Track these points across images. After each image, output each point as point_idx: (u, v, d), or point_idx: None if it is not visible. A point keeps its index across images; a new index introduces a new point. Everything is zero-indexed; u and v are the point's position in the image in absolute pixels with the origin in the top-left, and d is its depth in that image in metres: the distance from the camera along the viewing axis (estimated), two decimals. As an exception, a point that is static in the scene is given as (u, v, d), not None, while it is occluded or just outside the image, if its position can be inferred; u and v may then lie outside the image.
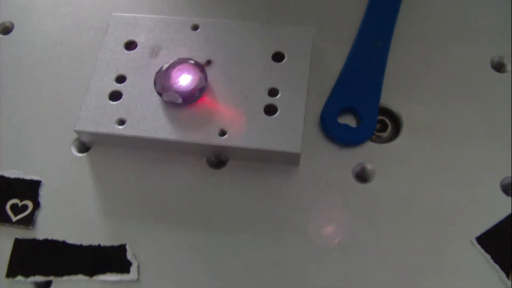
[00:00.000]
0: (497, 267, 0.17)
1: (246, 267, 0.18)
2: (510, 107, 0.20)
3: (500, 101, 0.20)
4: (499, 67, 0.21)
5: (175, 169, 0.19)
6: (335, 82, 0.20)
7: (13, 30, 0.23)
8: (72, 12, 0.23)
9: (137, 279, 0.18)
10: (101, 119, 0.19)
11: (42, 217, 0.19)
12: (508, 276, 0.17)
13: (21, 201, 0.19)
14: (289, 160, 0.19)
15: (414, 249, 0.18)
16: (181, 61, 0.20)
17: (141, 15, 0.22)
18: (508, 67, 0.21)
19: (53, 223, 0.19)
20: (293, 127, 0.18)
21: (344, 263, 0.18)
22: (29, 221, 0.19)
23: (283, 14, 0.22)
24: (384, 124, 0.20)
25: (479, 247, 0.18)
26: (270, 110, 0.19)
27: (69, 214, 0.19)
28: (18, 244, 0.19)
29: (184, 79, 0.19)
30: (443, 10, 0.22)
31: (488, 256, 0.18)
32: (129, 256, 0.18)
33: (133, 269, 0.18)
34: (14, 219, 0.19)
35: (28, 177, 0.20)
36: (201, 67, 0.20)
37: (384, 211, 0.18)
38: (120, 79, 0.20)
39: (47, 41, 0.23)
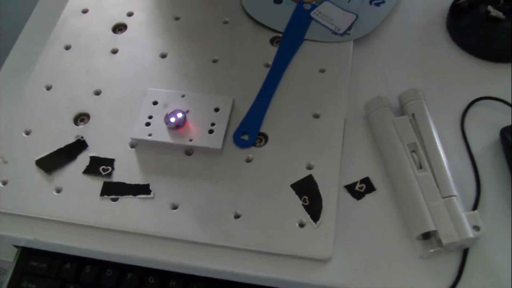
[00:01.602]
0: (297, 197, 0.43)
1: (199, 187, 0.44)
2: (319, 133, 0.46)
3: (317, 131, 0.46)
4: (316, 116, 0.47)
5: (171, 155, 0.45)
6: (240, 121, 0.47)
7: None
8: (131, 80, 0.50)
9: (153, 197, 0.44)
10: (140, 133, 0.46)
11: (115, 174, 0.45)
12: (300, 200, 0.43)
13: (106, 166, 0.46)
14: (217, 152, 0.45)
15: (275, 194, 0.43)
16: (175, 110, 0.46)
17: (159, 89, 0.48)
18: (322, 116, 0.47)
19: (119, 176, 0.45)
20: (218, 138, 0.45)
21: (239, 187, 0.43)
22: (109, 175, 0.45)
23: (218, 87, 0.49)
24: (260, 139, 0.46)
25: (293, 191, 0.43)
26: (211, 131, 0.45)
27: (126, 173, 0.45)
28: (105, 184, 0.45)
29: (176, 118, 0.46)
30: (295, 90, 0.49)
31: (295, 192, 0.43)
32: (150, 188, 0.44)
33: (152, 193, 0.44)
34: (103, 174, 0.45)
35: (109, 156, 0.46)
36: (184, 114, 0.46)
37: (260, 173, 0.44)
38: (150, 117, 0.47)
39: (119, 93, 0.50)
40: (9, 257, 0.50)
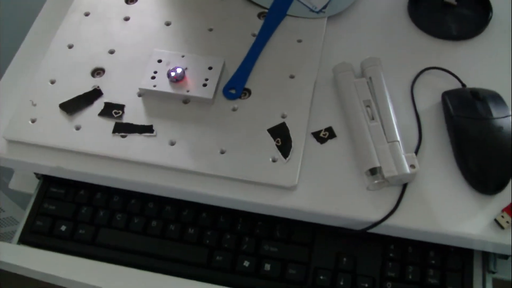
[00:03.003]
0: (272, 139, 0.53)
1: (193, 129, 0.54)
2: (293, 90, 0.56)
3: (291, 88, 0.56)
4: (292, 77, 0.57)
5: (171, 103, 0.55)
6: (229, 78, 0.57)
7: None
8: (140, 43, 0.60)
9: (155, 135, 0.54)
10: (146, 84, 0.56)
11: (124, 117, 0.55)
12: (274, 141, 0.53)
13: (117, 110, 0.56)
14: (208, 102, 0.55)
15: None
16: (176, 67, 0.56)
17: (163, 50, 0.58)
18: (296, 77, 0.57)
19: (128, 119, 0.55)
20: (210, 90, 0.55)
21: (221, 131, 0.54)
22: (120, 118, 0.55)
23: (212, 51, 0.59)
24: (245, 93, 0.56)
25: (269, 134, 0.53)
26: (204, 85, 0.55)
27: (134, 116, 0.55)
28: (117, 124, 0.55)
29: (176, 73, 0.56)
30: (276, 55, 0.59)
31: (270, 135, 0.53)
32: (153, 128, 0.54)
33: (154, 132, 0.54)
34: (115, 116, 0.55)
35: (120, 103, 0.56)
36: (183, 70, 0.56)
37: (243, 119, 0.54)
38: (155, 72, 0.57)
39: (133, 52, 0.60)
40: (31, 190, 0.60)
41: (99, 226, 0.55)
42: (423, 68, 0.58)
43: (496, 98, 0.54)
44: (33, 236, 0.55)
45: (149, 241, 0.53)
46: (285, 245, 0.52)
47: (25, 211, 0.57)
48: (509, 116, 0.52)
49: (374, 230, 0.50)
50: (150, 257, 0.53)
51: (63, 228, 0.55)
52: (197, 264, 0.52)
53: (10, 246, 0.54)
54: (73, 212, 0.56)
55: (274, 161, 0.52)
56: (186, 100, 0.56)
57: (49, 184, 0.58)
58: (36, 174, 0.60)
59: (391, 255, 0.52)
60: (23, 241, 0.55)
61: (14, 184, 0.63)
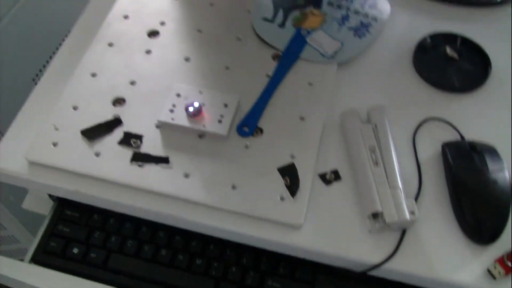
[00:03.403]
0: (281, 178, 0.56)
1: (207, 163, 0.57)
2: (302, 132, 0.59)
3: (301, 130, 0.60)
4: (302, 119, 0.61)
5: (187, 137, 0.58)
6: (243, 117, 0.60)
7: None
8: (160, 75, 0.64)
9: (171, 167, 0.57)
10: (165, 117, 0.59)
11: (142, 147, 0.58)
12: (283, 180, 0.56)
13: (136, 140, 0.58)
14: (223, 138, 0.58)
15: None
16: (193, 102, 0.59)
17: (182, 85, 0.62)
18: (306, 119, 0.60)
19: (146, 149, 0.58)
20: (225, 127, 0.58)
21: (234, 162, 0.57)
22: (138, 147, 0.58)
23: (228, 88, 0.62)
24: (257, 131, 0.59)
25: (278, 173, 0.56)
26: (220, 121, 0.58)
27: (151, 147, 0.58)
28: (135, 153, 0.57)
29: (194, 108, 0.59)
30: (288, 97, 0.62)
31: (279, 173, 0.56)
32: (169, 160, 0.57)
33: (170, 164, 0.57)
34: (133, 145, 0.58)
35: (138, 133, 0.59)
36: (200, 105, 0.59)
37: (254, 157, 0.57)
38: (174, 105, 0.60)
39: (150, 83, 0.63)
40: (44, 211, 0.63)
41: (110, 251, 0.57)
42: (425, 118, 0.62)
43: (492, 152, 0.57)
44: (45, 256, 0.57)
45: (158, 269, 0.56)
46: (287, 282, 0.55)
47: (30, 231, 0.59)
48: (504, 169, 0.56)
49: (373, 273, 0.53)
50: (158, 285, 0.55)
51: (76, 250, 0.57)
52: (203, 294, 0.54)
53: (22, 264, 0.56)
54: (86, 236, 0.58)
55: (282, 199, 0.55)
56: (201, 135, 0.59)
57: (64, 207, 0.60)
58: (51, 196, 0.62)
59: (387, 298, 0.54)
60: (35, 260, 0.57)
61: (27, 204, 0.65)
